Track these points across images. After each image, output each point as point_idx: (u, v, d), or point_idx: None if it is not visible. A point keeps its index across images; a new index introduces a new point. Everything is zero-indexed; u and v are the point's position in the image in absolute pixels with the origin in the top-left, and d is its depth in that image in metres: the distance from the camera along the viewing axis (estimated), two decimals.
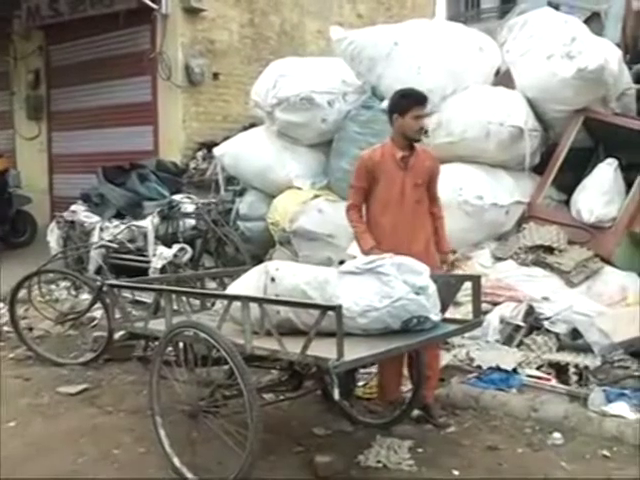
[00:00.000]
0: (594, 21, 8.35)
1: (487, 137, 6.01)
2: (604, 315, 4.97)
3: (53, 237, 8.19)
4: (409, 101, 4.20)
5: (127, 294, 4.75)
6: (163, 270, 6.71)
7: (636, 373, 4.49)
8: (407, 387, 4.56)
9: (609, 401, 4.22)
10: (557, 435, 4.03)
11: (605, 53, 5.89)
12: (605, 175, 5.76)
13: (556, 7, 7.67)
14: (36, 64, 12.21)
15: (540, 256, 5.68)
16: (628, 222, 5.58)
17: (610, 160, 5.83)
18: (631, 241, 5.65)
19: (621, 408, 4.15)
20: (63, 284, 7.54)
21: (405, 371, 4.34)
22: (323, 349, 3.15)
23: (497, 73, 6.74)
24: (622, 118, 6.03)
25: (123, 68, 10.75)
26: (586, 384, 4.46)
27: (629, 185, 5.73)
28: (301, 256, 6.62)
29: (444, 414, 4.35)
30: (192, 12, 10.36)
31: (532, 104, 6.20)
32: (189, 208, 7.59)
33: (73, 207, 8.28)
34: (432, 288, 3.66)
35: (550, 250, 5.69)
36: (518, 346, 5.03)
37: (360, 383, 4.57)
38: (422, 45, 6.41)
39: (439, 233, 4.43)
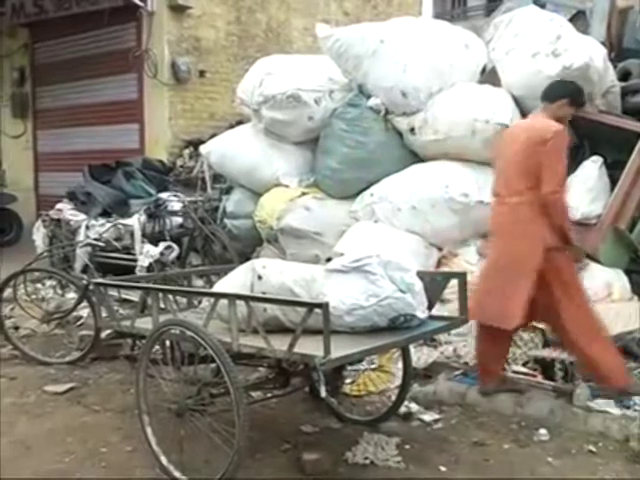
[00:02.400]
0: (579, 19, 8.39)
1: (473, 135, 6.03)
2: None
3: (39, 236, 8.15)
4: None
5: (114, 293, 4.72)
6: (150, 268, 6.70)
7: None
8: (394, 384, 4.60)
9: (594, 397, 4.25)
10: (543, 431, 4.05)
11: (590, 51, 5.92)
12: (590, 172, 5.79)
13: (542, 5, 7.70)
14: (21, 62, 12.17)
15: None
16: (613, 219, 5.60)
17: (595, 158, 5.86)
18: (616, 238, 5.68)
19: (606, 404, 4.18)
20: (49, 283, 7.50)
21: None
22: (310, 346, 3.16)
23: (483, 71, 6.74)
24: (607, 116, 6.05)
25: (109, 66, 10.72)
26: (572, 380, 4.48)
27: (614, 182, 5.76)
28: (288, 254, 6.62)
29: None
30: (178, 9, 10.34)
31: (518, 102, 6.21)
32: (176, 206, 7.57)
33: (59, 205, 8.24)
34: (419, 286, 3.68)
35: None
36: None
37: (347, 380, 4.59)
38: (408, 43, 6.42)
39: None
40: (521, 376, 4.61)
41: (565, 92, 4.46)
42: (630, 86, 6.60)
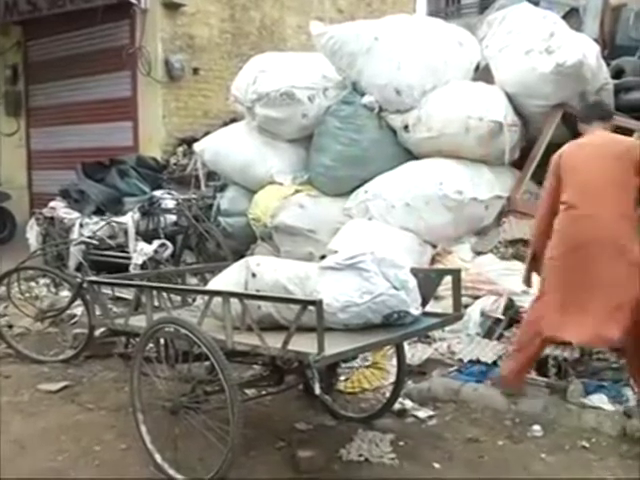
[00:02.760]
0: (572, 16, 8.41)
1: (467, 132, 6.04)
2: None
3: (32, 234, 8.13)
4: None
5: (107, 291, 4.72)
6: (144, 266, 6.68)
7: (614, 365, 4.55)
8: (388, 380, 4.60)
9: (588, 393, 4.27)
10: (537, 427, 4.06)
11: (583, 48, 5.94)
12: None
13: (535, 3, 7.71)
14: (14, 59, 12.10)
15: (520, 250, 5.71)
16: None
17: None
18: None
19: (600, 400, 4.20)
20: (43, 281, 7.48)
21: None
22: (304, 344, 3.16)
23: (477, 68, 6.76)
24: None
25: (102, 63, 10.68)
26: (565, 376, 4.49)
27: None
28: (282, 251, 6.62)
29: None
30: (172, 7, 10.32)
31: (511, 99, 6.23)
32: (170, 204, 7.55)
33: (52, 203, 8.22)
34: (412, 283, 3.68)
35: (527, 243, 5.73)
36: (498, 339, 5.06)
37: (342, 377, 4.60)
38: (402, 41, 6.43)
39: None
40: None
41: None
42: (623, 83, 6.63)
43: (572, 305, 4.05)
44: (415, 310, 3.64)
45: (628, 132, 5.72)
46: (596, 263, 3.98)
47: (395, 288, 3.56)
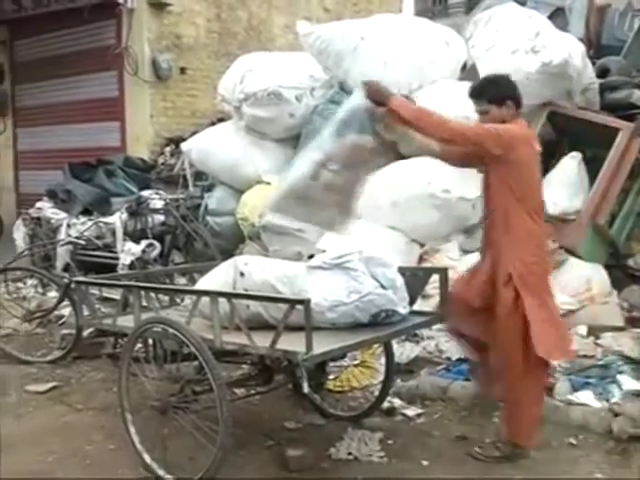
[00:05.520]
0: (558, 16, 8.44)
1: None
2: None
3: (19, 234, 8.10)
4: None
5: (95, 291, 4.71)
6: (132, 266, 6.68)
7: (600, 362, 4.59)
8: (377, 379, 4.62)
9: (575, 390, 4.29)
10: None
11: (569, 48, 5.97)
12: (569, 168, 5.84)
13: (521, 3, 7.75)
14: (0, 59, 12.04)
15: None
16: (592, 214, 5.66)
17: (574, 153, 5.91)
18: (595, 233, 5.74)
19: (586, 397, 4.22)
20: (30, 282, 7.45)
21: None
22: (292, 343, 3.17)
23: (464, 68, 6.79)
24: (586, 112, 6.11)
25: (89, 63, 10.65)
26: (552, 374, 4.52)
27: (593, 178, 5.82)
28: (271, 251, 6.62)
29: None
30: (158, 6, 10.30)
31: None
32: (158, 204, 7.55)
33: (39, 204, 8.21)
34: (400, 281, 3.70)
35: None
36: None
37: (330, 376, 4.61)
38: (389, 40, 6.45)
39: None
40: None
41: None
42: (609, 83, 6.67)
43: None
44: (403, 309, 3.66)
45: (613, 131, 5.77)
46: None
47: (383, 287, 3.58)
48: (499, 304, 3.58)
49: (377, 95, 3.65)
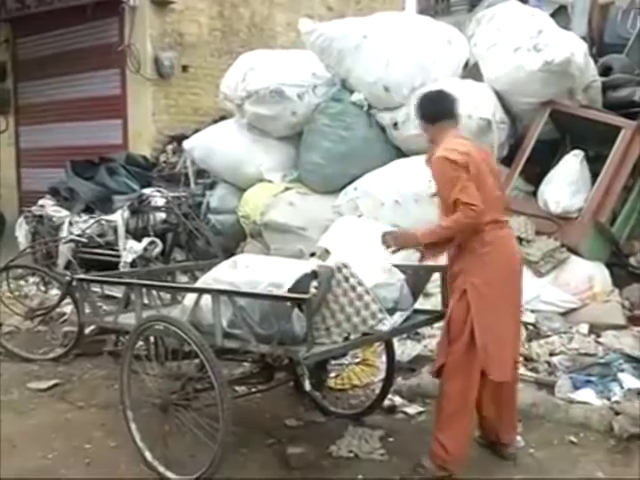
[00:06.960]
0: (561, 14, 8.43)
1: None
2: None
3: (21, 232, 8.10)
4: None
5: (97, 289, 4.70)
6: (133, 264, 6.67)
7: (601, 360, 4.58)
8: (378, 377, 4.62)
9: (576, 388, 4.30)
10: (525, 422, 4.09)
11: (571, 46, 5.96)
12: (571, 166, 5.83)
13: (524, 1, 7.74)
14: (2, 57, 12.03)
15: None
16: (594, 213, 5.65)
17: (576, 152, 5.90)
18: (597, 231, 5.73)
19: (587, 395, 4.23)
20: (32, 279, 7.46)
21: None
22: None
23: (466, 66, 6.78)
24: (588, 110, 6.10)
25: (91, 61, 10.65)
26: (553, 372, 4.53)
27: (595, 176, 5.81)
28: (272, 249, 6.63)
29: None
30: (161, 4, 10.29)
31: (500, 96, 6.25)
32: (159, 202, 7.54)
33: (41, 201, 8.20)
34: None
35: (518, 240, 5.75)
36: None
37: (332, 374, 4.61)
38: (391, 38, 6.44)
39: None
40: None
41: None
42: (611, 81, 6.65)
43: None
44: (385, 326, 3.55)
45: (616, 129, 5.76)
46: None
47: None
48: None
49: (405, 243, 3.82)
